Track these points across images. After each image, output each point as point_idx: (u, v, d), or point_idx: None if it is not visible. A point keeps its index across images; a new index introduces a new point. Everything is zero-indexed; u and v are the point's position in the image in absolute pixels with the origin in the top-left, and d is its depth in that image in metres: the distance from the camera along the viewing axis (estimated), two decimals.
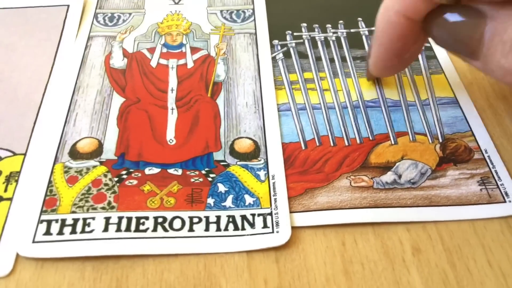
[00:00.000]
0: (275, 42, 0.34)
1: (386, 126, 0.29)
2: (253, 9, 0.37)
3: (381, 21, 0.24)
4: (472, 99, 0.31)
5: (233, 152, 0.28)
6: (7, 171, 0.26)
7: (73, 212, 0.24)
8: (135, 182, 0.26)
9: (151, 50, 0.33)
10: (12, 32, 0.34)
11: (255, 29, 0.35)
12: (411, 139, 0.29)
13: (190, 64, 0.33)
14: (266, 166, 0.27)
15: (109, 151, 0.27)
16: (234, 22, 0.36)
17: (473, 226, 0.25)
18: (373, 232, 0.24)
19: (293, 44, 0.34)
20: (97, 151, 0.27)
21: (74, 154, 0.27)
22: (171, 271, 0.23)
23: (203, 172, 0.27)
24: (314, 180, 0.26)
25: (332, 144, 0.28)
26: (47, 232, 0.24)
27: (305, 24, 0.35)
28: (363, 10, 0.36)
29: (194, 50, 0.34)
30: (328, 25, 0.35)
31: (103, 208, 0.25)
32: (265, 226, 0.24)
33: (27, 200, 0.25)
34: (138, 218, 0.24)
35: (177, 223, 0.24)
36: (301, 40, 0.34)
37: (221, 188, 0.26)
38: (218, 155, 0.27)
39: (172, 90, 0.31)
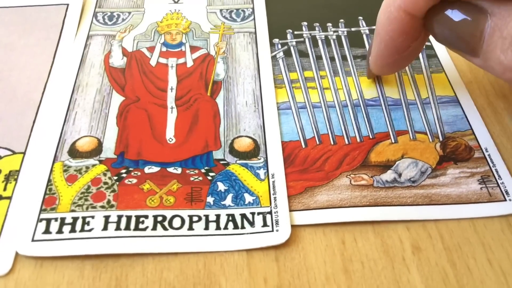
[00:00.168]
0: (276, 40, 0.34)
1: (387, 124, 0.29)
2: (253, 8, 0.37)
3: (382, 17, 0.24)
4: (472, 97, 0.31)
5: (232, 151, 0.28)
6: (6, 170, 0.26)
7: (73, 210, 0.24)
8: (134, 180, 0.26)
9: (151, 49, 0.33)
10: (11, 31, 0.34)
11: (255, 28, 0.35)
12: (411, 137, 0.29)
13: (189, 63, 0.33)
14: (265, 164, 0.27)
15: (109, 150, 0.27)
16: (233, 21, 0.36)
17: (473, 224, 0.25)
18: (373, 231, 0.24)
19: (294, 43, 0.34)
20: (97, 150, 0.27)
21: (74, 153, 0.27)
22: (170, 270, 0.23)
23: (203, 171, 0.27)
24: (314, 178, 0.26)
25: (332, 143, 0.28)
26: (47, 231, 0.24)
27: (305, 23, 0.35)
28: (363, 8, 0.36)
29: (193, 49, 0.34)
30: (329, 24, 0.35)
31: (102, 206, 0.25)
32: (264, 224, 0.24)
33: (27, 199, 0.25)
34: (137, 217, 0.24)
35: (176, 222, 0.24)
36: (302, 39, 0.34)
37: (221, 186, 0.26)
38: (217, 154, 0.27)
39: (171, 89, 0.31)
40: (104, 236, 0.23)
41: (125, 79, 0.31)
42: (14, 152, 0.27)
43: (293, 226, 0.24)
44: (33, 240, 0.23)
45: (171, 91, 0.31)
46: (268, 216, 0.24)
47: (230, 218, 0.24)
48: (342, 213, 0.25)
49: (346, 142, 0.28)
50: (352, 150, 0.28)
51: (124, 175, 0.26)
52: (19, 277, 0.22)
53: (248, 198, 0.25)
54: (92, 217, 0.24)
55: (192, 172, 0.26)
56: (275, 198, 0.25)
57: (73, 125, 0.28)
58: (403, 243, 0.24)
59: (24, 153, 0.27)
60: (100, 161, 0.27)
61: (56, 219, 0.24)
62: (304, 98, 0.30)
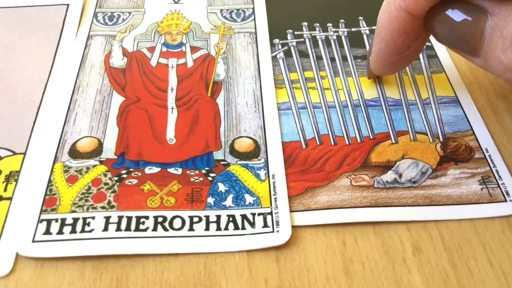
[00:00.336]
0: (276, 41, 0.34)
1: (387, 125, 0.29)
2: (253, 9, 0.36)
3: (382, 16, 0.24)
4: (473, 98, 0.31)
5: (233, 152, 0.28)
6: (6, 171, 0.26)
7: (73, 211, 0.24)
8: (135, 181, 0.26)
9: (151, 49, 0.33)
10: (11, 31, 0.34)
11: (255, 28, 0.35)
12: (411, 138, 0.29)
13: (190, 64, 0.33)
14: (266, 165, 0.27)
15: (109, 150, 0.27)
16: (234, 21, 0.36)
17: (474, 225, 0.25)
18: (373, 232, 0.24)
19: (294, 43, 0.34)
20: (97, 151, 0.27)
21: (74, 153, 0.27)
22: (171, 271, 0.23)
23: (203, 171, 0.27)
24: (315, 179, 0.26)
25: (332, 143, 0.28)
26: (47, 232, 0.24)
27: (306, 23, 0.35)
28: (364, 9, 0.36)
29: (194, 49, 0.34)
30: (329, 24, 0.35)
31: (103, 207, 0.25)
32: (265, 225, 0.24)
33: (27, 200, 0.25)
34: (138, 218, 0.24)
35: (177, 223, 0.24)
36: (302, 39, 0.34)
37: (221, 187, 0.26)
38: (218, 155, 0.27)
39: (172, 89, 0.31)
40: (105, 237, 0.23)
41: (126, 79, 0.31)
42: (14, 153, 0.27)
43: (293, 227, 0.24)
44: (33, 241, 0.23)
45: (172, 92, 0.31)
46: (268, 217, 0.24)
47: (231, 219, 0.24)
48: (343, 213, 0.25)
49: (347, 143, 0.28)
50: (353, 151, 0.28)
51: (124, 175, 0.26)
52: (19, 278, 0.22)
53: (248, 198, 0.25)
54: (93, 217, 0.24)
55: (192, 173, 0.26)
56: (275, 198, 0.25)
57: (73, 126, 0.28)
58: (403, 243, 0.24)
59: (24, 153, 0.27)
60: (101, 162, 0.27)
61: (56, 220, 0.24)
62: (304, 98, 0.30)
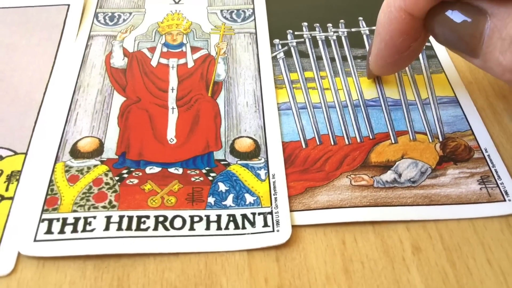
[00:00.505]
0: (276, 41, 0.34)
1: (387, 125, 0.29)
2: (253, 9, 0.37)
3: (382, 17, 0.24)
4: (472, 98, 0.31)
5: (233, 151, 0.28)
6: (8, 170, 0.26)
7: (74, 211, 0.25)
8: (136, 181, 0.26)
9: (152, 50, 0.33)
10: (12, 32, 0.34)
11: (255, 28, 0.35)
12: (411, 138, 0.29)
13: (190, 64, 0.33)
14: (266, 165, 0.27)
15: (110, 150, 0.27)
16: (234, 21, 0.36)
17: (473, 225, 0.25)
18: (373, 231, 0.24)
19: (294, 43, 0.34)
20: (98, 150, 0.27)
21: (75, 153, 0.27)
22: (172, 270, 0.23)
23: (204, 171, 0.27)
24: (315, 179, 0.26)
25: (332, 143, 0.28)
26: (49, 231, 0.24)
27: (306, 23, 0.35)
28: (364, 9, 0.36)
29: (194, 49, 0.34)
30: (329, 24, 0.35)
31: (104, 207, 0.25)
32: (265, 225, 0.24)
33: (28, 199, 0.25)
34: (139, 217, 0.24)
35: (177, 222, 0.24)
36: (302, 39, 0.34)
37: (222, 187, 0.26)
38: (218, 154, 0.28)
39: (172, 89, 0.31)
40: (106, 236, 0.24)
41: (126, 79, 0.31)
42: (16, 153, 0.27)
43: (293, 226, 0.24)
44: (35, 240, 0.23)
45: (172, 92, 0.31)
46: (268, 217, 0.25)
47: (231, 219, 0.25)
48: (343, 213, 0.25)
49: (347, 143, 0.28)
50: (352, 151, 0.28)
51: (125, 175, 0.26)
52: (21, 277, 0.23)
53: (249, 198, 0.25)
54: (94, 217, 0.24)
55: (193, 173, 0.26)
56: (275, 198, 0.25)
57: (74, 126, 0.29)
58: (403, 243, 0.24)
59: (26, 153, 0.27)
60: (102, 162, 0.27)
61: (58, 220, 0.24)
62: (304, 98, 0.31)
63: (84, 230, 0.24)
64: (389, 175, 0.27)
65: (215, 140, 0.28)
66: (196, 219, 0.24)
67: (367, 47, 0.34)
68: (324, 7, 0.37)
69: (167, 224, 0.24)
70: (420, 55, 0.33)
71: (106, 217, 0.24)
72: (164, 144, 0.28)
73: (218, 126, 0.29)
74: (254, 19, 0.36)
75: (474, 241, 0.24)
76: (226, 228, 0.24)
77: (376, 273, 0.23)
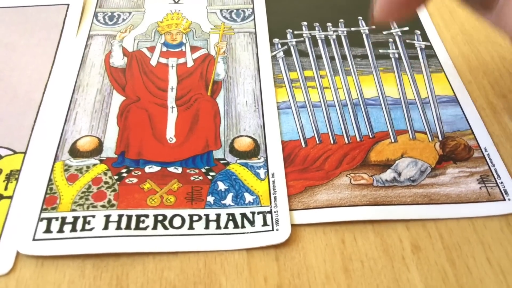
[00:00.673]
0: (276, 40, 0.34)
1: (386, 124, 0.29)
2: (253, 8, 0.37)
3: None
4: (471, 97, 0.31)
5: (233, 151, 0.28)
6: (7, 170, 0.26)
7: (73, 210, 0.24)
8: (135, 180, 0.26)
9: (151, 49, 0.33)
10: (12, 31, 0.34)
11: (255, 28, 0.35)
12: (411, 137, 0.29)
13: (190, 63, 0.33)
14: (266, 164, 0.27)
15: (109, 150, 0.27)
16: (233, 21, 0.36)
17: (473, 224, 0.25)
18: (372, 230, 0.24)
19: (294, 43, 0.34)
20: (97, 150, 0.27)
21: (74, 152, 0.27)
22: (171, 269, 0.23)
23: (203, 170, 0.27)
24: (314, 178, 0.26)
25: (332, 142, 0.28)
26: (47, 230, 0.24)
27: (305, 23, 0.35)
28: (363, 9, 0.36)
29: (194, 49, 0.34)
30: (329, 24, 0.35)
31: (103, 206, 0.25)
32: (265, 224, 0.24)
33: (27, 198, 0.25)
34: (138, 216, 0.24)
35: (177, 221, 0.24)
36: (302, 39, 0.34)
37: (221, 186, 0.26)
38: (218, 154, 0.27)
39: (172, 89, 0.31)
40: (105, 235, 0.24)
41: (126, 79, 0.31)
42: (15, 152, 0.27)
43: (293, 226, 0.24)
44: (34, 240, 0.23)
45: (172, 91, 0.31)
46: (268, 216, 0.25)
47: (231, 218, 0.25)
48: (342, 212, 0.25)
49: (346, 141, 0.28)
50: (352, 149, 0.28)
51: (124, 174, 0.26)
52: (20, 276, 0.22)
53: (248, 197, 0.25)
54: (93, 216, 0.24)
55: (192, 172, 0.26)
56: (275, 197, 0.25)
57: (73, 125, 0.29)
58: (402, 242, 0.24)
59: (25, 152, 0.27)
60: (101, 161, 0.27)
61: (57, 219, 0.24)
62: (304, 97, 0.31)
63: (83, 229, 0.24)
64: (388, 174, 0.27)
65: (214, 139, 0.28)
66: (195, 218, 0.24)
67: (367, 46, 0.34)
68: (323, 7, 0.37)
69: (166, 223, 0.24)
70: (420, 55, 0.33)
71: (105, 216, 0.24)
72: (163, 143, 0.28)
73: (218, 126, 0.29)
74: (254, 18, 0.36)
75: (474, 240, 0.24)
76: (226, 227, 0.24)
77: (375, 272, 0.23)
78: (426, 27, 0.35)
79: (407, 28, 0.35)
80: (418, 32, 0.35)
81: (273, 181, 0.26)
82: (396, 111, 0.30)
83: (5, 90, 0.30)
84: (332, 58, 0.33)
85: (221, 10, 0.37)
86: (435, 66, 0.33)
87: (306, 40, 0.34)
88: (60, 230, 0.24)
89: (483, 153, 0.28)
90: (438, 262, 0.23)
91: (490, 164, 0.27)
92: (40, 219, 0.24)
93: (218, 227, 0.24)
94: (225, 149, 0.28)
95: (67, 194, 0.25)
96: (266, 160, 0.27)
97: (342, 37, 0.34)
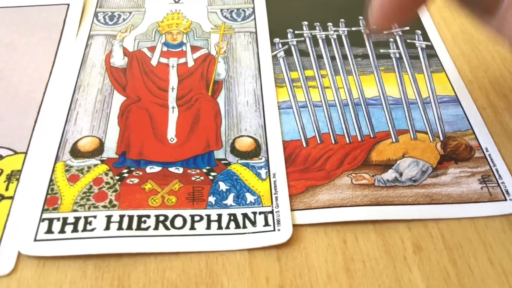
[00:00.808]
0: (276, 40, 0.34)
1: (387, 124, 0.29)
2: (253, 8, 0.37)
3: None
4: (472, 97, 0.31)
5: (234, 151, 0.28)
6: (8, 170, 0.26)
7: (75, 210, 0.24)
8: (136, 180, 0.26)
9: (152, 49, 0.33)
10: (12, 31, 0.34)
11: (255, 27, 0.35)
12: (412, 137, 0.29)
13: (190, 63, 0.33)
14: (267, 164, 0.27)
15: (110, 150, 0.27)
16: (234, 21, 0.36)
17: (474, 224, 0.25)
18: (374, 230, 0.24)
19: (294, 42, 0.34)
20: (98, 150, 0.27)
21: (75, 152, 0.27)
22: (172, 269, 0.23)
23: (204, 170, 0.27)
24: (315, 178, 0.26)
25: (333, 142, 0.28)
26: (49, 231, 0.24)
27: (306, 22, 0.35)
28: (364, 8, 0.36)
29: (194, 49, 0.34)
30: (329, 23, 0.35)
31: (104, 206, 0.25)
32: (266, 224, 0.24)
33: (29, 199, 0.25)
34: (139, 217, 0.24)
35: (178, 221, 0.24)
36: (302, 38, 0.34)
37: (222, 186, 0.26)
38: (219, 154, 0.27)
39: (172, 89, 0.31)
40: (106, 235, 0.23)
41: (126, 79, 0.31)
42: (16, 152, 0.27)
43: (294, 226, 0.24)
44: (35, 240, 0.23)
45: (172, 91, 0.31)
46: (269, 216, 0.25)
47: (232, 218, 0.25)
48: (344, 212, 0.25)
49: (347, 141, 0.28)
50: (353, 149, 0.28)
51: (125, 175, 0.26)
52: (21, 277, 0.22)
53: (249, 197, 0.25)
54: (94, 217, 0.24)
55: (193, 172, 0.26)
56: (276, 197, 0.25)
57: (74, 125, 0.29)
58: (404, 242, 0.24)
59: (26, 153, 0.27)
60: (102, 161, 0.27)
61: (58, 219, 0.24)
62: (305, 97, 0.31)
63: (84, 229, 0.24)
64: (390, 174, 0.27)
65: (215, 140, 0.28)
66: (196, 218, 0.24)
67: (367, 46, 0.34)
68: (324, 6, 0.37)
69: (168, 223, 0.24)
70: (421, 54, 0.33)
71: (106, 216, 0.24)
72: (164, 143, 0.28)
73: (219, 125, 0.29)
74: (254, 18, 0.36)
75: (475, 240, 0.24)
76: (227, 227, 0.24)
77: (377, 272, 0.23)
78: (427, 26, 0.35)
79: (407, 28, 0.35)
80: (419, 31, 0.35)
81: (275, 181, 0.26)
82: (397, 111, 0.30)
83: (6, 90, 0.30)
84: (333, 58, 0.33)
85: (221, 10, 0.37)
86: (436, 66, 0.33)
87: (307, 39, 0.34)
88: (62, 231, 0.24)
89: (484, 153, 0.28)
90: (439, 262, 0.23)
91: (491, 164, 0.27)
92: (42, 220, 0.24)
93: (220, 227, 0.24)
94: (226, 149, 0.28)
95: (68, 195, 0.25)
96: (267, 160, 0.27)
97: (343, 37, 0.34)
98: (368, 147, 0.28)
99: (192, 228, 0.24)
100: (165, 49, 0.34)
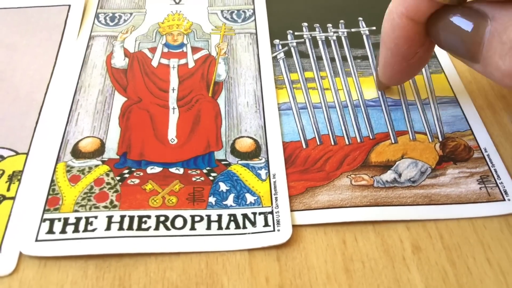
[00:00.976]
0: (276, 41, 0.34)
1: (387, 125, 0.29)
2: (254, 9, 0.37)
3: (386, 25, 0.24)
4: (471, 98, 0.31)
5: (234, 151, 0.28)
6: (9, 170, 0.26)
7: (76, 211, 0.25)
8: (137, 181, 0.26)
9: (152, 50, 0.34)
10: (13, 32, 0.34)
11: (256, 29, 0.35)
12: (411, 138, 0.29)
13: (191, 64, 0.33)
14: (267, 165, 0.27)
15: (111, 150, 0.28)
16: (234, 22, 0.36)
17: (473, 224, 0.25)
18: (373, 231, 0.25)
19: (294, 44, 0.34)
20: (99, 150, 0.27)
21: (76, 153, 0.27)
22: (173, 269, 0.23)
23: (205, 171, 0.27)
24: (315, 178, 0.26)
25: (332, 143, 0.28)
26: (50, 231, 0.24)
27: (306, 24, 0.35)
28: (363, 9, 0.36)
29: (195, 50, 0.34)
30: (329, 25, 0.35)
31: (105, 207, 0.25)
32: (266, 224, 0.24)
33: (30, 199, 0.25)
34: (140, 217, 0.24)
35: (179, 222, 0.24)
36: (302, 40, 0.34)
37: (223, 187, 0.26)
38: (219, 154, 0.28)
39: (173, 89, 0.31)
40: (107, 236, 0.24)
41: (127, 80, 0.32)
42: (17, 153, 0.27)
43: (294, 226, 0.24)
44: (36, 240, 0.23)
45: (173, 92, 0.31)
46: (269, 216, 0.25)
47: (232, 218, 0.25)
48: (343, 213, 0.25)
49: (347, 143, 0.28)
50: (353, 151, 0.28)
51: (126, 175, 0.26)
52: (23, 277, 0.23)
53: (249, 198, 0.26)
54: (95, 217, 0.24)
55: (194, 173, 0.27)
56: (276, 198, 0.25)
57: (75, 126, 0.29)
58: (403, 242, 0.24)
59: (27, 153, 0.27)
60: (103, 162, 0.27)
61: (59, 219, 0.24)
62: (304, 98, 0.31)
63: (85, 230, 0.24)
64: (389, 175, 0.27)
65: (215, 140, 0.28)
66: (197, 218, 0.25)
67: (367, 47, 0.34)
68: (324, 8, 0.37)
69: (168, 223, 0.24)
70: None
71: (107, 217, 0.24)
72: (165, 144, 0.28)
73: (219, 126, 0.29)
74: (255, 19, 0.36)
75: (474, 241, 0.24)
76: (227, 227, 0.24)
77: (376, 272, 0.23)
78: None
79: None
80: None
81: (274, 182, 0.26)
82: (396, 112, 0.30)
83: (7, 90, 0.30)
84: (332, 59, 0.33)
85: (222, 11, 0.37)
86: (435, 67, 0.33)
87: (307, 41, 0.34)
88: (63, 231, 0.24)
89: (483, 154, 0.28)
90: (438, 262, 0.23)
91: (490, 165, 0.27)
92: (43, 220, 0.24)
93: (220, 227, 0.24)
94: (226, 150, 0.28)
95: (69, 195, 0.25)
96: (267, 161, 0.27)
97: (343, 38, 0.34)
98: (367, 148, 0.28)
99: (193, 228, 0.24)
100: (165, 50, 0.34)
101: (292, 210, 0.25)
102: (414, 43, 0.24)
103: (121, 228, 0.24)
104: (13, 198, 0.25)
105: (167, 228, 0.24)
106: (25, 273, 0.23)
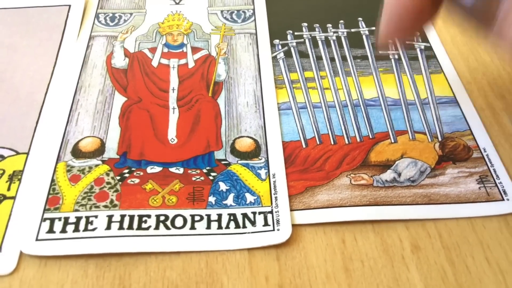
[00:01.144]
0: (276, 41, 0.34)
1: (386, 124, 0.29)
2: (254, 9, 0.37)
3: None
4: (471, 98, 0.31)
5: (234, 151, 0.28)
6: (10, 170, 0.26)
7: (76, 210, 0.25)
8: (137, 180, 0.26)
9: (152, 50, 0.34)
10: (13, 32, 0.34)
11: (256, 29, 0.35)
12: (410, 137, 0.29)
13: (191, 64, 0.33)
14: (266, 164, 0.27)
15: (111, 150, 0.28)
16: (234, 22, 0.36)
17: (472, 224, 0.25)
18: (372, 230, 0.25)
19: (294, 44, 0.34)
20: (99, 150, 0.28)
21: (77, 153, 0.27)
22: (173, 269, 0.23)
23: (205, 170, 0.27)
24: (315, 178, 0.27)
25: (332, 143, 0.28)
26: (50, 230, 0.24)
27: (305, 24, 0.35)
28: (363, 10, 0.37)
29: (195, 50, 0.34)
30: (329, 25, 0.35)
31: (105, 206, 0.25)
32: (266, 224, 0.24)
33: (30, 199, 0.25)
34: (140, 216, 0.25)
35: (179, 221, 0.24)
36: (302, 40, 0.34)
37: (222, 186, 0.26)
38: (219, 154, 0.28)
39: (173, 89, 0.31)
40: (108, 235, 0.24)
41: (127, 80, 0.32)
42: (17, 153, 0.27)
43: (294, 226, 0.24)
44: (37, 240, 0.23)
45: (173, 92, 0.31)
46: (269, 216, 0.25)
47: (232, 218, 0.25)
48: (342, 212, 0.25)
49: (346, 142, 0.29)
50: (352, 150, 0.28)
51: (126, 175, 0.26)
52: (23, 276, 0.23)
53: (249, 197, 0.26)
54: (96, 216, 0.24)
55: (194, 172, 0.27)
56: (276, 197, 0.25)
57: (76, 126, 0.29)
58: (402, 242, 0.24)
59: (27, 153, 0.27)
60: (103, 161, 0.27)
61: (59, 219, 0.24)
62: (304, 98, 0.31)
63: (85, 229, 0.24)
64: (388, 175, 0.27)
65: (215, 140, 0.28)
66: (197, 218, 0.25)
67: (367, 48, 0.34)
68: (323, 8, 0.37)
69: (168, 223, 0.24)
70: (419, 56, 0.33)
71: (107, 216, 0.24)
72: (165, 144, 0.28)
73: (219, 126, 0.29)
74: (254, 19, 0.36)
75: (473, 240, 0.24)
76: (227, 227, 0.24)
77: (375, 271, 0.23)
78: (426, 27, 0.35)
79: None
80: (418, 33, 0.35)
81: (274, 182, 0.26)
82: (396, 111, 0.30)
83: (8, 91, 0.30)
84: (332, 59, 0.33)
85: (222, 11, 0.37)
86: (434, 67, 0.33)
87: (307, 41, 0.34)
88: (63, 230, 0.24)
89: (482, 154, 0.28)
90: (437, 261, 0.23)
91: (489, 165, 0.27)
92: (43, 219, 0.24)
93: (220, 227, 0.24)
94: (226, 150, 0.28)
95: (69, 195, 0.25)
96: (267, 161, 0.27)
97: (342, 38, 0.34)
98: (367, 148, 0.28)
99: (193, 228, 0.24)
100: (165, 50, 0.34)
101: (291, 210, 0.25)
102: None
103: (121, 228, 0.24)
104: (13, 198, 0.25)
105: (167, 228, 0.24)
106: (26, 272, 0.23)
